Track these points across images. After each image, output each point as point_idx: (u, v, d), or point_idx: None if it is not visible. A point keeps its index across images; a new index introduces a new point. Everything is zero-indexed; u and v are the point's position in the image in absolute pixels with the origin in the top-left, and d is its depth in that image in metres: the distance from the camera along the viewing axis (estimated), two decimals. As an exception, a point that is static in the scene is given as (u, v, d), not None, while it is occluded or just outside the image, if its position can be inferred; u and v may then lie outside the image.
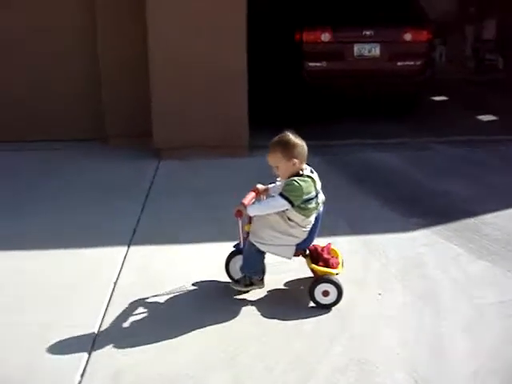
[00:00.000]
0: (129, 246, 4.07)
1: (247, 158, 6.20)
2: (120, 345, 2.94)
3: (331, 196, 5.01)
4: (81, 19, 6.84)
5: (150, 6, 6.00)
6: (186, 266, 3.78)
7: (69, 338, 2.99)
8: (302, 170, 3.22)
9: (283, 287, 3.50)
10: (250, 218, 3.27)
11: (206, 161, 6.02)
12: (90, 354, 2.85)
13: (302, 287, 3.45)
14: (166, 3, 6.01)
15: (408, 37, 7.78)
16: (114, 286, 3.51)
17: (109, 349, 2.91)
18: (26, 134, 6.97)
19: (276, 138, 3.26)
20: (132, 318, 3.17)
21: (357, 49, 7.65)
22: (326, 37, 7.56)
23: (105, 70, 6.78)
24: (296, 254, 3.33)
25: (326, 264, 3.27)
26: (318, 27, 7.53)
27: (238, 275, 3.43)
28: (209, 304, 3.33)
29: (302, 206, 3.16)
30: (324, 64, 7.63)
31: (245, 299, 3.34)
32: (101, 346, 2.92)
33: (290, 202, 3.12)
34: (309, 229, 3.26)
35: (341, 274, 3.31)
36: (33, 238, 4.23)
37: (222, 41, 6.05)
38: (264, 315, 3.20)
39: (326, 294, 3.22)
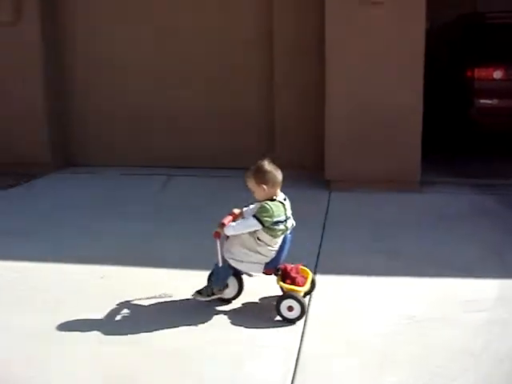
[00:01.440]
0: (314, 273, 4.26)
1: (418, 193, 6.27)
2: (318, 368, 3.11)
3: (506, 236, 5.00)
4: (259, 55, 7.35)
5: (329, 43, 6.28)
6: (372, 299, 3.88)
7: (268, 359, 3.18)
8: (275, 195, 3.59)
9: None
10: (228, 238, 3.65)
11: (377, 195, 6.15)
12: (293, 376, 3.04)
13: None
14: (344, 41, 6.26)
15: None
16: (307, 312, 3.70)
17: (309, 372, 3.08)
18: (197, 160, 7.57)
19: (254, 166, 3.63)
20: (329, 350, 3.31)
21: (529, 87, 7.51)
22: (498, 74, 7.50)
23: (279, 103, 7.19)
24: (268, 273, 3.68)
25: (293, 282, 3.59)
26: (492, 64, 7.49)
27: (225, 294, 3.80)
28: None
29: (271, 227, 3.52)
30: (495, 102, 7.56)
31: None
32: (302, 369, 3.09)
33: (261, 223, 3.49)
34: (276, 249, 3.61)
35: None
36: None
37: (400, 80, 6.19)
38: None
39: (290, 309, 3.54)
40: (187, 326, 3.51)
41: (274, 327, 3.50)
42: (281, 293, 3.68)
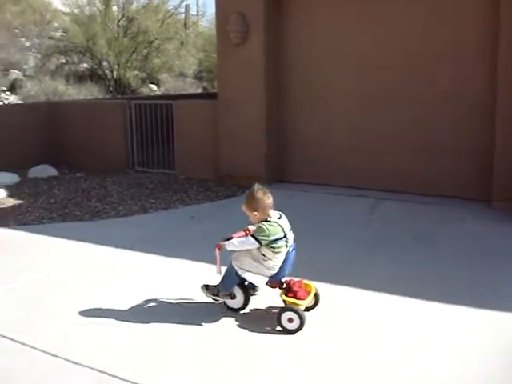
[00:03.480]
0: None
1: None
2: None
3: None
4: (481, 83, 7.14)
5: None
6: None
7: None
8: (270, 216, 3.86)
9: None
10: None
11: None
12: None
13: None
14: None
15: None
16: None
17: None
18: (403, 185, 7.60)
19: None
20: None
21: None
22: None
23: (499, 132, 6.84)
24: (273, 286, 3.98)
25: (295, 295, 3.83)
26: None
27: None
28: None
29: (272, 245, 3.81)
30: None
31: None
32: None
33: (259, 242, 3.79)
34: (279, 263, 3.88)
35: None
36: (420, 286, 4.56)
37: None
38: None
39: (290, 320, 3.77)
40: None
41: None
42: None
